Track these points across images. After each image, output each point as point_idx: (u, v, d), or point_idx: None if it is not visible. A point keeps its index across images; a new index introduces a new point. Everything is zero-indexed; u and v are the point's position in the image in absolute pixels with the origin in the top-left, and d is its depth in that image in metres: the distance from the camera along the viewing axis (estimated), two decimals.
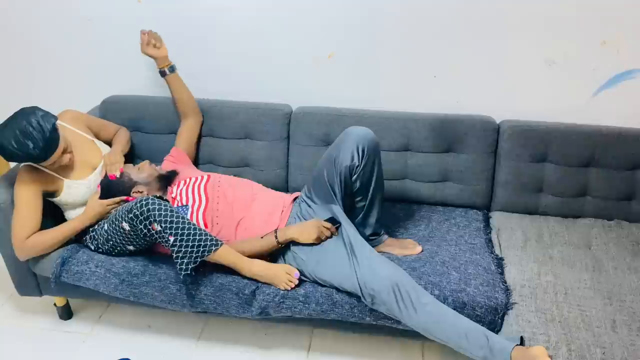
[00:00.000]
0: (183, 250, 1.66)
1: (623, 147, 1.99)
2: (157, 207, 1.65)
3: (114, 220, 1.77)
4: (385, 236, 1.95)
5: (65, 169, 1.90)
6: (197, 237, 1.67)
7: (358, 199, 1.85)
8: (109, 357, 1.95)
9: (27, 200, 1.83)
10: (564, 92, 2.08)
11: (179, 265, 1.68)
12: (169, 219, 1.65)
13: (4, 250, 1.96)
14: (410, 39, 2.08)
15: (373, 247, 1.83)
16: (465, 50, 2.06)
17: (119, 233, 1.77)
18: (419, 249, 1.90)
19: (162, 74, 2.11)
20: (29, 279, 2.00)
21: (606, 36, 1.96)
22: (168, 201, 1.75)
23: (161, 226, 1.65)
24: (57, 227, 1.87)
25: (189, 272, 1.68)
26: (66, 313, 2.15)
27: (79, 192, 1.92)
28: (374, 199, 1.86)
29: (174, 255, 1.67)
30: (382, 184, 1.86)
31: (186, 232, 1.66)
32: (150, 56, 2.07)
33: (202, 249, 1.67)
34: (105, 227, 1.82)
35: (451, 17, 2.01)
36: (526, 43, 2.02)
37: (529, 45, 2.02)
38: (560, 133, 2.02)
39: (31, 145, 1.68)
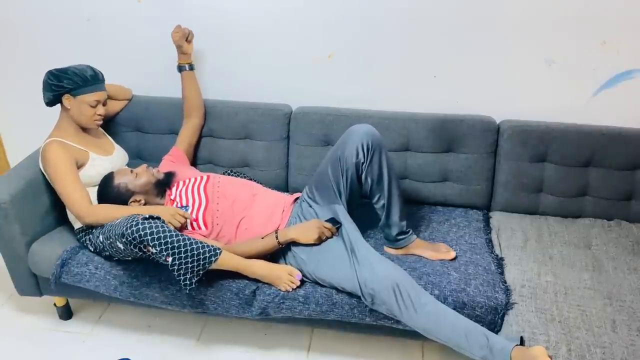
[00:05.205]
0: (184, 267, 1.65)
1: (623, 147, 1.99)
2: (148, 230, 1.62)
3: (109, 236, 1.74)
4: (414, 236, 1.89)
5: (89, 144, 1.99)
6: (195, 252, 1.65)
7: (376, 198, 1.83)
8: (109, 357, 1.95)
9: (72, 171, 1.87)
10: (564, 92, 2.07)
11: (182, 282, 1.67)
12: (162, 240, 1.62)
13: (4, 250, 1.96)
14: (410, 39, 2.08)
15: (402, 247, 1.82)
16: (465, 51, 2.06)
17: (114, 249, 1.76)
18: (452, 254, 1.83)
19: (180, 69, 2.14)
20: (29, 279, 2.00)
21: (606, 36, 1.96)
22: (159, 218, 1.71)
23: (156, 248, 1.63)
24: (120, 206, 1.86)
25: (193, 285, 1.68)
26: (66, 313, 2.15)
27: (102, 165, 1.98)
28: (392, 194, 1.81)
29: (176, 274, 1.66)
30: (396, 178, 1.83)
31: (183, 249, 1.63)
32: (180, 47, 2.10)
33: (202, 262, 1.66)
34: (101, 239, 1.80)
35: (451, 17, 2.01)
36: (526, 43, 2.01)
37: (529, 45, 2.02)
38: (560, 133, 2.02)
39: (89, 71, 1.91)
